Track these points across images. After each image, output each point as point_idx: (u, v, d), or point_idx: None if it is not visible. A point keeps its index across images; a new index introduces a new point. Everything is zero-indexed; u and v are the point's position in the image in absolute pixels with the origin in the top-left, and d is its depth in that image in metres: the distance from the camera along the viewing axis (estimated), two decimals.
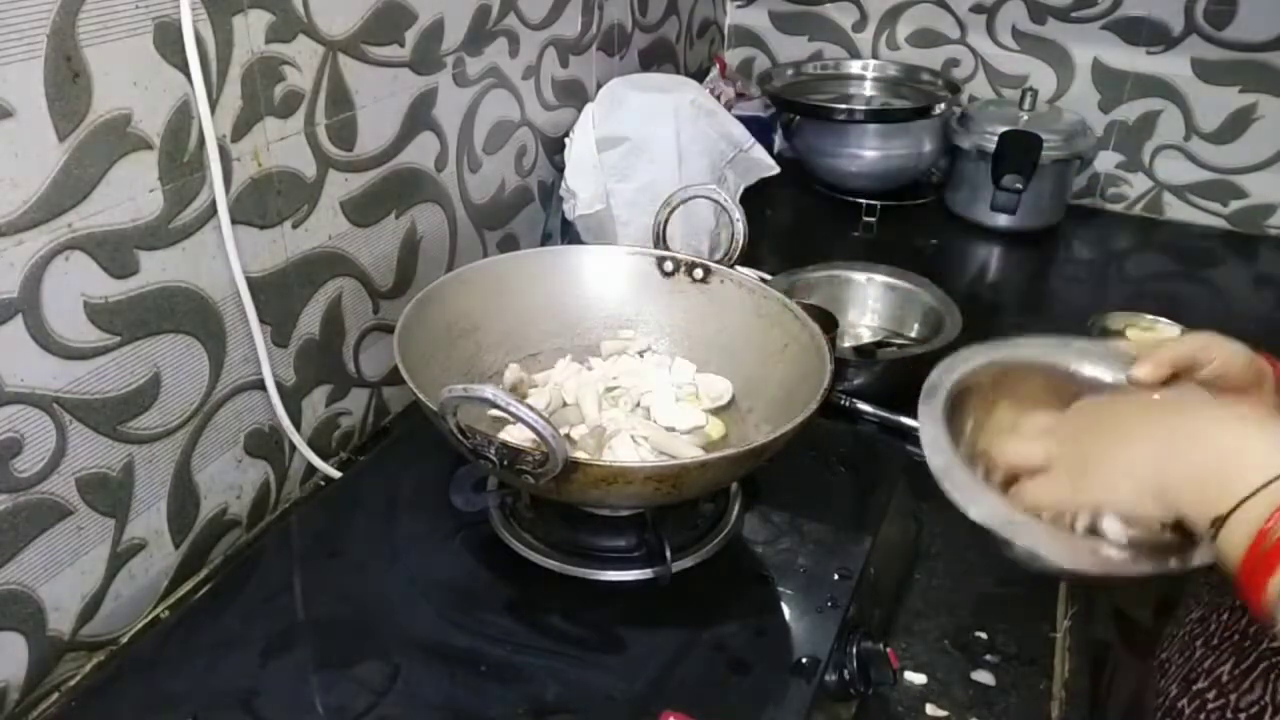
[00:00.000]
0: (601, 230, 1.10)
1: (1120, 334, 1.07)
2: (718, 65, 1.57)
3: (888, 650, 0.62)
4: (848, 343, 1.02)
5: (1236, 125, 1.35)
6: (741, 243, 0.79)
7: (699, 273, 0.80)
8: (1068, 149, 1.30)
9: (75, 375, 0.62)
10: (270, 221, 0.75)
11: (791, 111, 1.43)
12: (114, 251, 0.62)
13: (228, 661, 0.60)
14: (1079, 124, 1.35)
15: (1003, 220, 1.31)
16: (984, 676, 0.66)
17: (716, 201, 0.79)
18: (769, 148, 1.30)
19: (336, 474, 0.83)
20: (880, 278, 1.06)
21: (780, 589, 0.66)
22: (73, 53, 0.57)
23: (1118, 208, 1.45)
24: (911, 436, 0.90)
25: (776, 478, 0.74)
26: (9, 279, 0.56)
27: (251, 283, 0.73)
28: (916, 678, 0.66)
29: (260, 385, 0.77)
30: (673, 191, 0.82)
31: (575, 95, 1.16)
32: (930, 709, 0.64)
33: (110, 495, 0.66)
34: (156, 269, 0.66)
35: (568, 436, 0.71)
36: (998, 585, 0.74)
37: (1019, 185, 1.25)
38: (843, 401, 0.93)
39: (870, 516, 0.73)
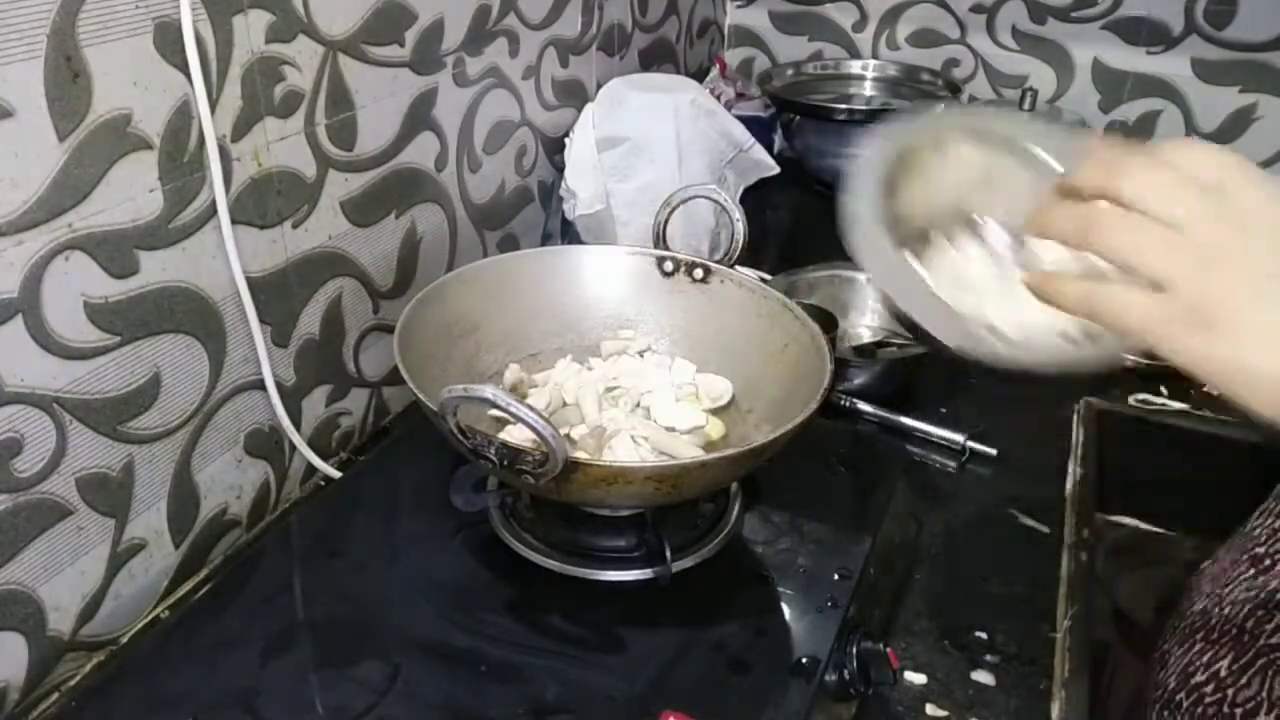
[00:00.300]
0: (601, 230, 1.10)
1: None
2: (718, 65, 1.57)
3: (888, 650, 0.62)
4: (848, 343, 1.02)
5: (1236, 125, 1.35)
6: (741, 243, 0.79)
7: (699, 273, 0.80)
8: None
9: (75, 375, 0.62)
10: (270, 221, 0.75)
11: (791, 111, 1.43)
12: (114, 251, 0.62)
13: (228, 661, 0.60)
14: (1079, 124, 1.35)
15: None
16: (984, 676, 0.66)
17: (716, 201, 0.79)
18: (769, 148, 1.30)
19: (336, 474, 0.83)
20: None
21: (780, 589, 0.66)
22: (73, 53, 0.57)
23: None
24: (912, 436, 0.91)
25: (776, 478, 0.74)
26: (9, 279, 0.56)
27: (251, 283, 0.73)
28: (916, 678, 0.66)
29: (260, 385, 0.77)
30: (673, 191, 0.82)
31: (575, 95, 1.16)
32: (930, 709, 0.64)
33: (110, 495, 0.66)
34: (156, 269, 0.66)
35: (568, 436, 0.71)
36: (998, 585, 0.74)
37: None
38: (843, 401, 0.93)
39: (870, 516, 0.73)
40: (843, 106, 1.41)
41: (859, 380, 0.94)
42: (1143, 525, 0.97)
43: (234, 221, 0.70)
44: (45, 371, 0.60)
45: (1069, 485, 0.84)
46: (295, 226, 0.77)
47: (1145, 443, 0.95)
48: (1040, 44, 1.43)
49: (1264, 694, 0.54)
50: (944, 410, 0.94)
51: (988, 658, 0.68)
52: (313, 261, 0.80)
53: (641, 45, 1.34)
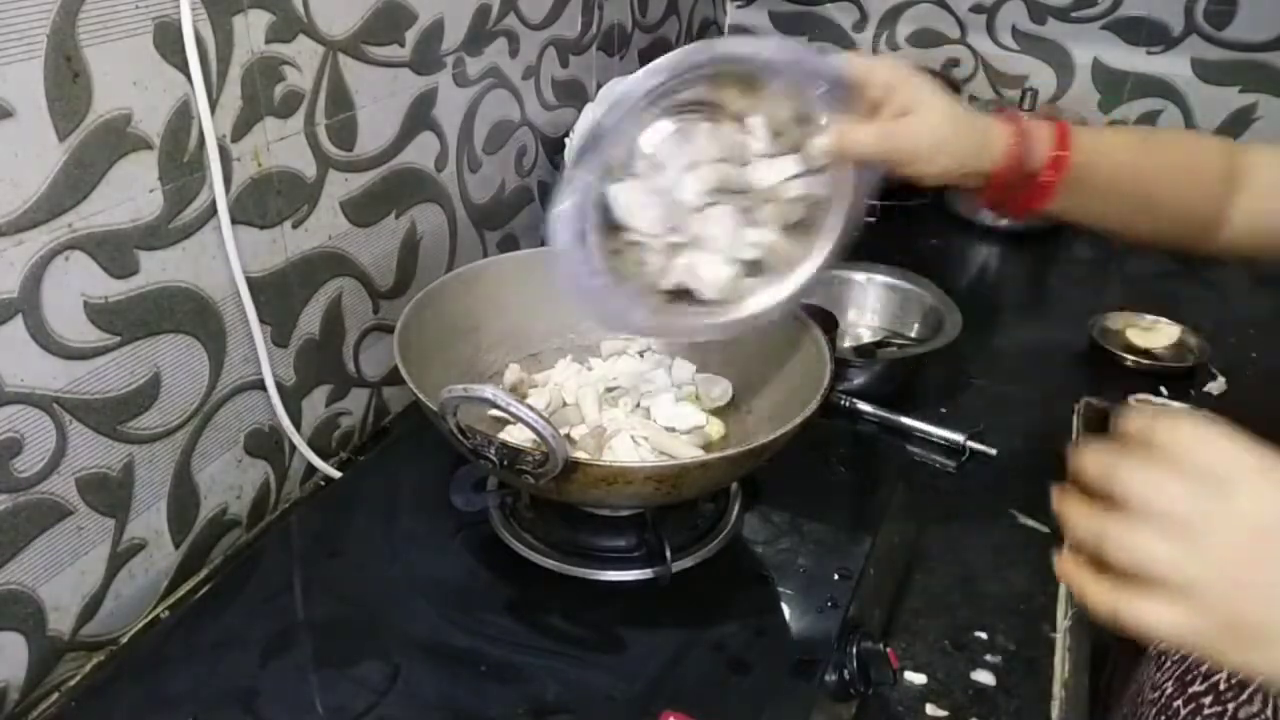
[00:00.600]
0: None
1: (1120, 334, 1.07)
2: None
3: (888, 650, 0.62)
4: (848, 343, 1.02)
5: (1236, 125, 1.35)
6: None
7: None
8: None
9: (75, 375, 0.62)
10: (270, 221, 0.75)
11: None
12: (114, 251, 0.62)
13: (228, 661, 0.60)
14: (1079, 124, 1.35)
15: (1003, 220, 1.31)
16: (984, 676, 0.66)
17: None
18: None
19: (336, 474, 0.83)
20: (880, 278, 1.06)
21: (780, 589, 0.66)
22: (73, 53, 0.57)
23: None
24: (912, 436, 0.91)
25: (776, 478, 0.74)
26: (9, 279, 0.56)
27: (251, 283, 0.73)
28: (916, 678, 0.66)
29: (260, 385, 0.77)
30: None
31: (575, 95, 1.16)
32: (930, 709, 0.64)
33: (110, 495, 0.66)
34: (156, 269, 0.66)
35: (568, 436, 0.71)
36: (998, 585, 0.74)
37: None
38: (843, 401, 0.93)
39: (870, 516, 0.73)
40: None
41: (859, 380, 0.94)
42: None
43: (234, 221, 0.70)
44: (45, 371, 0.60)
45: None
46: (295, 226, 0.77)
47: None
48: (1040, 44, 1.43)
49: (1268, 713, 0.53)
50: (944, 410, 0.94)
51: (988, 658, 0.68)
52: (313, 261, 0.80)
53: (641, 45, 1.34)
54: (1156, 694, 0.62)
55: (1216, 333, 1.08)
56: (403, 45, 0.85)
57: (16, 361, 0.58)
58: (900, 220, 1.36)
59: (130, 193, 0.63)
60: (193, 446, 0.72)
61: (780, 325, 0.75)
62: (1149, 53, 1.37)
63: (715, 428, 0.75)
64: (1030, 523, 0.81)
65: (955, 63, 1.50)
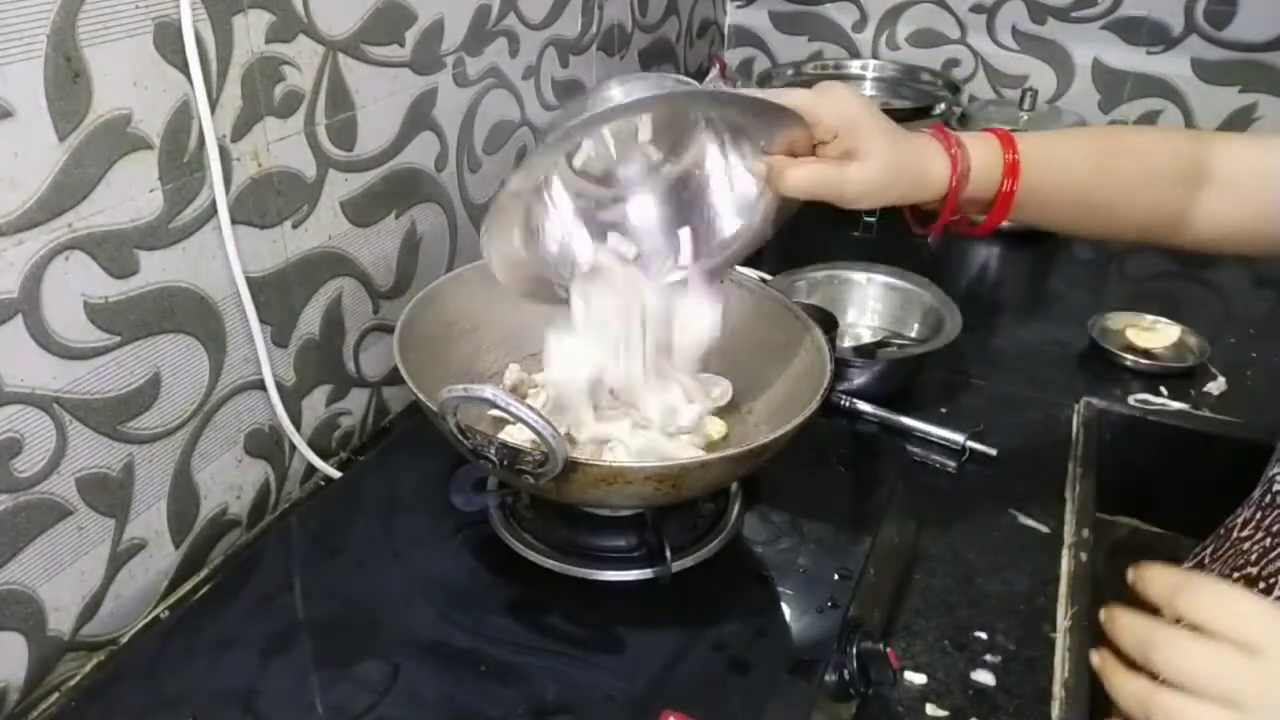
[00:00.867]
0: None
1: (1120, 334, 1.07)
2: (718, 65, 1.57)
3: (888, 650, 0.62)
4: (848, 343, 1.02)
5: (1236, 125, 1.35)
6: None
7: None
8: None
9: (75, 375, 0.62)
10: (270, 221, 0.75)
11: None
12: (114, 251, 0.62)
13: (228, 661, 0.60)
14: (1079, 124, 1.35)
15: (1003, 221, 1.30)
16: (984, 676, 0.66)
17: None
18: None
19: (336, 474, 0.83)
20: (880, 278, 1.06)
21: (780, 589, 0.66)
22: (73, 53, 0.57)
23: None
24: (912, 436, 0.91)
25: (776, 478, 0.74)
26: (9, 279, 0.56)
27: (251, 283, 0.73)
28: (916, 678, 0.66)
29: (260, 385, 0.77)
30: None
31: (575, 95, 1.16)
32: (930, 709, 0.64)
33: (110, 495, 0.66)
34: (156, 269, 0.66)
35: (568, 436, 0.71)
36: (998, 585, 0.74)
37: None
38: (843, 401, 0.93)
39: (870, 516, 0.73)
40: None
41: (859, 380, 0.94)
42: (1143, 525, 0.97)
43: (234, 221, 0.70)
44: (45, 371, 0.60)
45: (1069, 485, 0.84)
46: (295, 226, 0.77)
47: (1145, 443, 0.95)
48: (1040, 44, 1.43)
49: None
50: (944, 410, 0.94)
51: (988, 658, 0.68)
52: (313, 261, 0.80)
53: (641, 45, 1.34)
54: None
55: (1216, 333, 1.08)
56: (403, 45, 0.85)
57: (16, 361, 0.58)
58: (900, 220, 1.36)
59: (130, 193, 0.63)
60: (193, 446, 0.72)
61: (780, 325, 0.75)
62: (1149, 53, 1.37)
63: (715, 428, 0.74)
64: (1030, 523, 0.81)
65: (955, 63, 1.50)
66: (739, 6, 1.62)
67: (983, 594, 0.73)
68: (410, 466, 0.78)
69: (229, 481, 0.77)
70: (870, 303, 1.07)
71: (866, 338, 1.04)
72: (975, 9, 1.45)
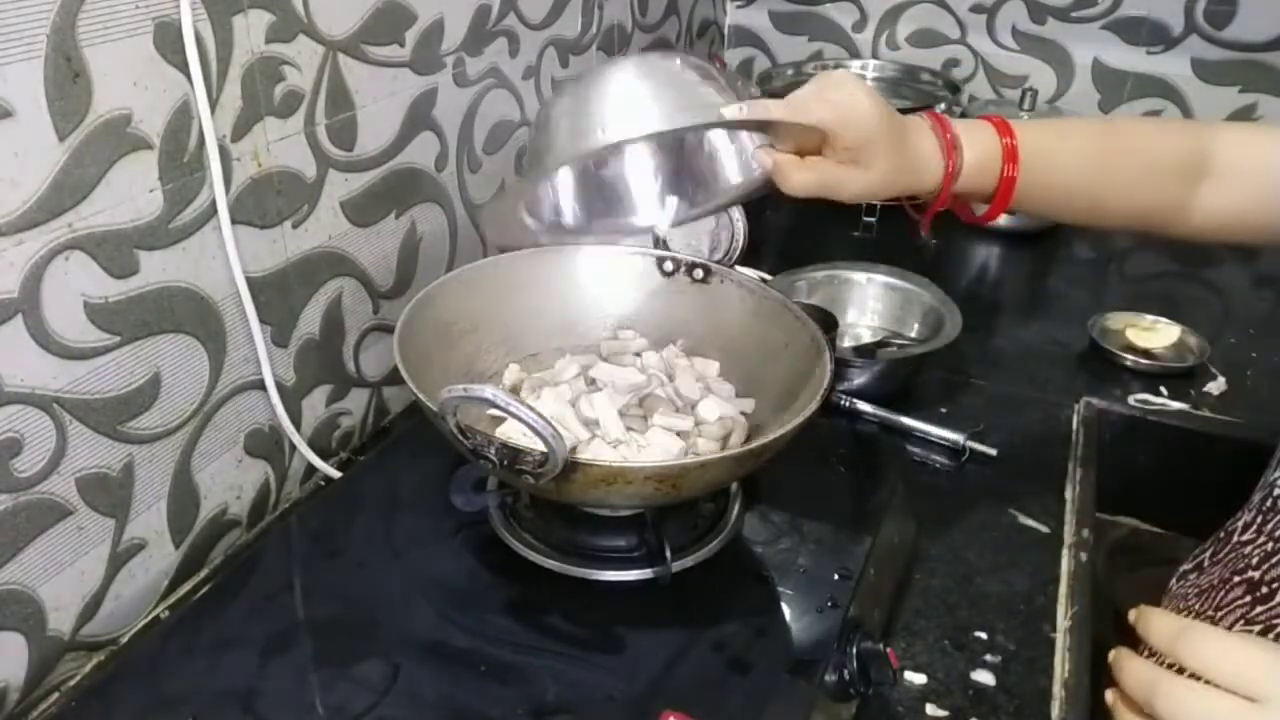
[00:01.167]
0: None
1: (1120, 334, 1.07)
2: (718, 65, 1.57)
3: (888, 650, 0.62)
4: (848, 343, 1.02)
5: None
6: (741, 243, 0.79)
7: (699, 273, 0.80)
8: None
9: (75, 375, 0.62)
10: (270, 221, 0.75)
11: None
12: (114, 251, 0.62)
13: (228, 661, 0.60)
14: (1077, 117, 1.35)
15: (1003, 220, 1.29)
16: (984, 676, 0.66)
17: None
18: None
19: (336, 474, 0.83)
20: (880, 278, 1.06)
21: (780, 589, 0.66)
22: (73, 53, 0.57)
23: None
24: (912, 436, 0.91)
25: (776, 478, 0.74)
26: (9, 279, 0.56)
27: (251, 283, 0.73)
28: (916, 678, 0.66)
29: (260, 385, 0.77)
30: None
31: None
32: (930, 709, 0.64)
33: (110, 495, 0.66)
34: (156, 269, 0.66)
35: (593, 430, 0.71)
36: (998, 585, 0.74)
37: None
38: (843, 401, 0.93)
39: (870, 516, 0.73)
40: None
41: (859, 380, 0.94)
42: (1143, 525, 0.97)
43: (234, 221, 0.70)
44: (45, 371, 0.60)
45: (1069, 485, 0.85)
46: (295, 226, 0.77)
47: (1145, 443, 0.95)
48: (1040, 44, 1.43)
49: None
50: (944, 410, 0.94)
51: (988, 658, 0.68)
52: (313, 261, 0.80)
53: (641, 45, 1.34)
54: None
55: (1216, 333, 1.08)
56: (403, 45, 0.85)
57: (16, 361, 0.58)
58: (900, 220, 1.36)
59: (130, 193, 0.63)
60: (193, 446, 0.72)
61: (780, 325, 0.75)
62: (1149, 53, 1.37)
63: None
64: (1030, 523, 0.81)
65: (955, 63, 1.50)
66: (739, 6, 1.62)
67: (983, 594, 0.73)
68: (410, 466, 0.78)
69: (229, 481, 0.77)
70: (870, 303, 1.07)
71: (866, 338, 1.04)
72: (975, 9, 1.45)
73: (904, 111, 0.66)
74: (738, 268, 0.80)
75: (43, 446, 0.61)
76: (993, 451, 0.87)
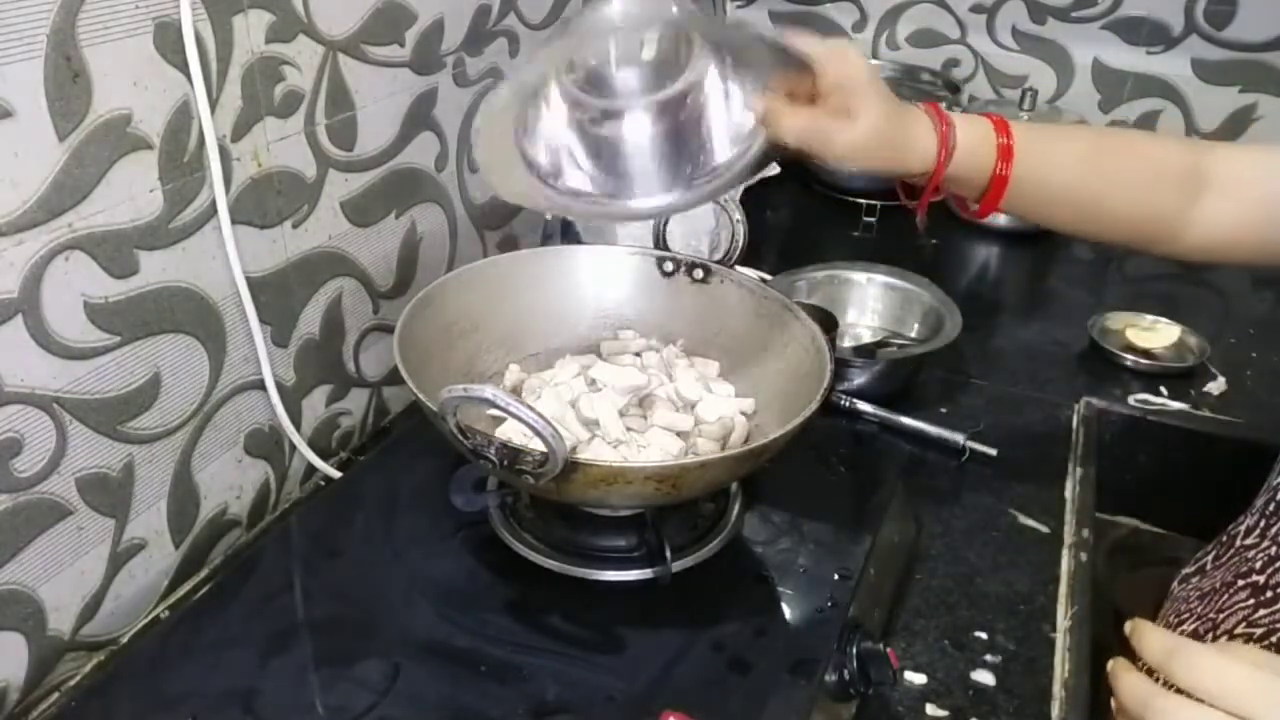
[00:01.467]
0: (601, 230, 1.10)
1: (1120, 334, 1.07)
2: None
3: (888, 650, 0.62)
4: (848, 343, 1.02)
5: (1236, 125, 1.35)
6: (741, 243, 0.79)
7: (699, 273, 0.80)
8: None
9: (75, 375, 0.62)
10: (270, 221, 0.75)
11: None
12: (114, 251, 0.62)
13: (228, 661, 0.60)
14: (1079, 124, 1.35)
15: (1003, 220, 1.30)
16: (984, 676, 0.66)
17: (716, 202, 0.79)
18: None
19: (336, 474, 0.83)
20: (880, 278, 1.06)
21: (780, 589, 0.66)
22: (73, 53, 0.57)
23: None
24: (912, 436, 0.91)
25: (776, 478, 0.74)
26: (9, 279, 0.56)
27: (251, 283, 0.73)
28: (916, 678, 0.66)
29: (260, 385, 0.77)
30: None
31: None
32: (930, 709, 0.64)
33: (110, 495, 0.66)
34: (156, 269, 0.66)
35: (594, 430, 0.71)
36: (998, 585, 0.74)
37: None
38: (843, 401, 0.93)
39: (870, 516, 0.73)
40: None
41: (859, 380, 0.94)
42: (1143, 525, 0.97)
43: (234, 221, 0.70)
44: (45, 371, 0.60)
45: (1069, 485, 0.85)
46: (295, 226, 0.77)
47: (1145, 443, 0.95)
48: (1040, 44, 1.43)
49: None
50: (944, 410, 0.94)
51: (988, 658, 0.68)
52: (313, 261, 0.80)
53: None
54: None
55: (1216, 333, 1.08)
56: (403, 45, 0.85)
57: (16, 361, 0.58)
58: (900, 220, 1.36)
59: (130, 193, 0.63)
60: (193, 446, 0.72)
61: (780, 325, 0.75)
62: (1149, 53, 1.37)
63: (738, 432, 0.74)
64: (1030, 523, 0.81)
65: (955, 63, 1.50)
66: (739, 6, 1.62)
67: (983, 594, 0.73)
68: (410, 466, 0.78)
69: (229, 481, 0.77)
70: (870, 303, 1.07)
71: (866, 338, 1.04)
72: (975, 9, 1.45)
73: None
74: (738, 268, 0.80)
75: (43, 446, 0.61)
76: (993, 451, 0.87)
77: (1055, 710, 0.64)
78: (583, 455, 0.64)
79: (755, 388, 0.76)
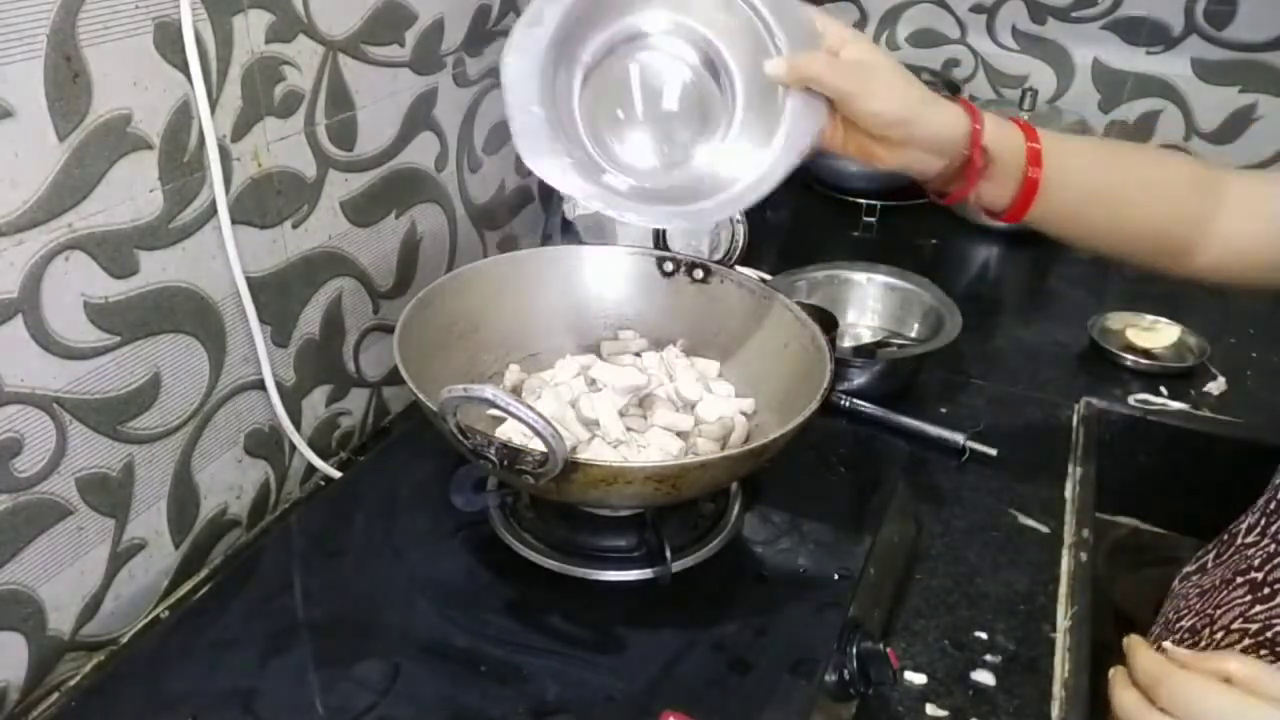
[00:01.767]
0: (601, 230, 1.10)
1: (1120, 334, 1.07)
2: None
3: (888, 650, 0.62)
4: (848, 343, 1.02)
5: (1236, 125, 1.35)
6: (741, 243, 0.79)
7: (699, 273, 0.80)
8: None
9: (75, 375, 0.62)
10: (270, 221, 0.75)
11: None
12: (114, 251, 0.62)
13: (228, 661, 0.60)
14: (1079, 124, 1.35)
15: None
16: (984, 676, 0.66)
17: None
18: None
19: (336, 474, 0.84)
20: (880, 278, 1.06)
21: (780, 589, 0.66)
22: (73, 53, 0.57)
23: None
24: (912, 436, 0.91)
25: (776, 478, 0.74)
26: (9, 279, 0.56)
27: (251, 283, 0.73)
28: (916, 678, 0.66)
29: (260, 385, 0.77)
30: None
31: None
32: (930, 709, 0.64)
33: (110, 495, 0.66)
34: (156, 269, 0.66)
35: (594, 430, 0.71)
36: (998, 585, 0.74)
37: None
38: (843, 401, 0.93)
39: (870, 516, 0.73)
40: None
41: (859, 380, 0.94)
42: (1143, 525, 0.97)
43: (234, 221, 0.70)
44: (45, 371, 0.60)
45: (1069, 485, 0.85)
46: (295, 226, 0.77)
47: (1145, 443, 0.95)
48: (1040, 44, 1.43)
49: None
50: (944, 410, 0.94)
51: (988, 658, 0.68)
52: (313, 261, 0.80)
53: None
54: None
55: (1216, 333, 1.08)
56: (403, 45, 0.85)
57: (16, 361, 0.58)
58: (900, 220, 1.36)
59: (130, 193, 0.63)
60: (193, 446, 0.72)
61: (780, 325, 0.75)
62: (1149, 53, 1.37)
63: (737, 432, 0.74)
64: (1030, 523, 0.81)
65: (955, 63, 1.50)
66: None
67: (983, 594, 0.73)
68: (410, 466, 0.78)
69: (229, 481, 0.77)
70: (870, 303, 1.07)
71: (866, 338, 1.04)
72: (975, 9, 1.45)
73: None
74: (738, 268, 0.80)
75: (43, 446, 0.61)
76: (993, 451, 0.87)
77: (1055, 710, 0.64)
78: (583, 455, 0.64)
79: (755, 388, 0.76)
